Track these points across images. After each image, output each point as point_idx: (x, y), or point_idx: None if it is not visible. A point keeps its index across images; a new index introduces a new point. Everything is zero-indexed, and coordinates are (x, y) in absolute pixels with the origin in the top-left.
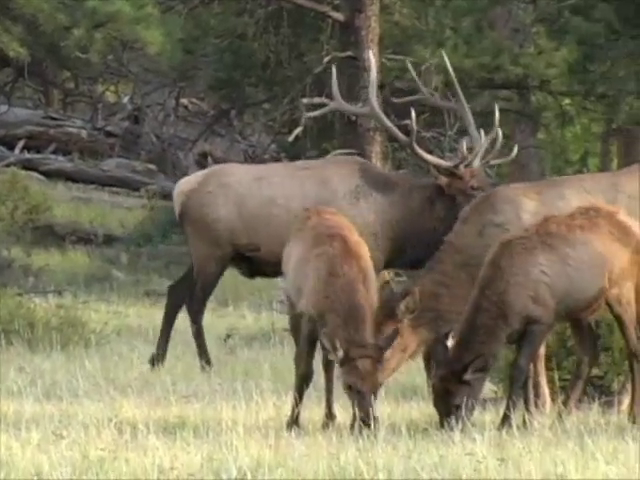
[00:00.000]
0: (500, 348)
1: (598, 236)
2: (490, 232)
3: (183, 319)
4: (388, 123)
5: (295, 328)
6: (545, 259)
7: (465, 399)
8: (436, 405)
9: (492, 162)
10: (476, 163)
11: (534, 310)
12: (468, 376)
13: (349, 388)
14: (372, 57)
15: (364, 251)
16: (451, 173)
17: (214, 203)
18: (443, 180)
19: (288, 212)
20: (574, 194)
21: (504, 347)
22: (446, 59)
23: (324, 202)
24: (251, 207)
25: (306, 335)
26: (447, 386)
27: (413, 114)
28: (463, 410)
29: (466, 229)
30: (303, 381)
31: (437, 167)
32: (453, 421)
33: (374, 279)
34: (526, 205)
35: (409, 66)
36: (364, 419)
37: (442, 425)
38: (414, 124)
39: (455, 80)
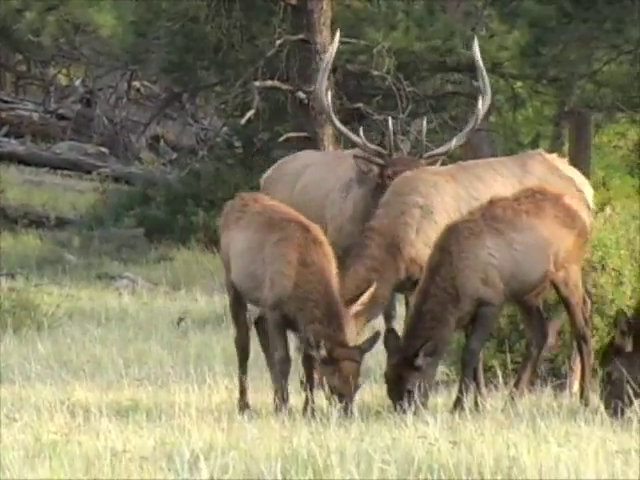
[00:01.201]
0: (450, 333)
1: (543, 220)
2: (412, 212)
3: (134, 302)
4: (326, 106)
5: (236, 313)
6: (492, 243)
7: (417, 385)
8: (390, 394)
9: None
10: (443, 150)
11: (485, 292)
12: (419, 361)
13: (330, 390)
14: (335, 41)
15: (324, 237)
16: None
17: (274, 191)
18: (375, 170)
19: (311, 200)
20: (488, 175)
21: (455, 331)
22: (476, 46)
23: (327, 193)
24: (294, 194)
25: (274, 322)
26: (399, 373)
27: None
28: (416, 396)
29: (387, 211)
30: (283, 366)
31: (361, 146)
32: (406, 404)
33: (334, 264)
34: (447, 188)
35: None
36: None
37: (395, 409)
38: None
39: (481, 63)
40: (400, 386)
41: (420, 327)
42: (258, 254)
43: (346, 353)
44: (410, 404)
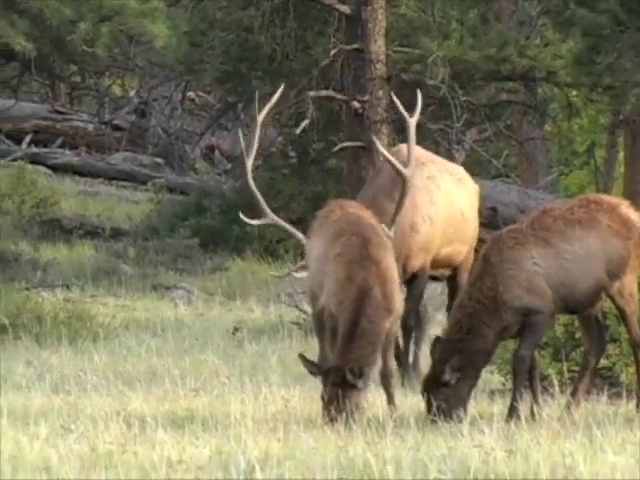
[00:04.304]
0: (487, 344)
1: (596, 230)
2: None
3: (189, 312)
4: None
5: (319, 323)
6: (537, 252)
7: (448, 399)
8: (426, 407)
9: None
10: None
11: (531, 301)
12: (447, 376)
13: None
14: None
15: (383, 254)
16: None
17: None
18: None
19: None
20: None
21: (504, 341)
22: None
23: None
24: None
25: (329, 330)
26: (428, 387)
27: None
28: (447, 411)
29: None
30: None
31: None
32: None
33: (395, 281)
34: None
35: None
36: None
37: (428, 413)
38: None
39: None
40: (430, 401)
41: (450, 339)
42: (324, 265)
43: (336, 379)
44: (443, 418)
